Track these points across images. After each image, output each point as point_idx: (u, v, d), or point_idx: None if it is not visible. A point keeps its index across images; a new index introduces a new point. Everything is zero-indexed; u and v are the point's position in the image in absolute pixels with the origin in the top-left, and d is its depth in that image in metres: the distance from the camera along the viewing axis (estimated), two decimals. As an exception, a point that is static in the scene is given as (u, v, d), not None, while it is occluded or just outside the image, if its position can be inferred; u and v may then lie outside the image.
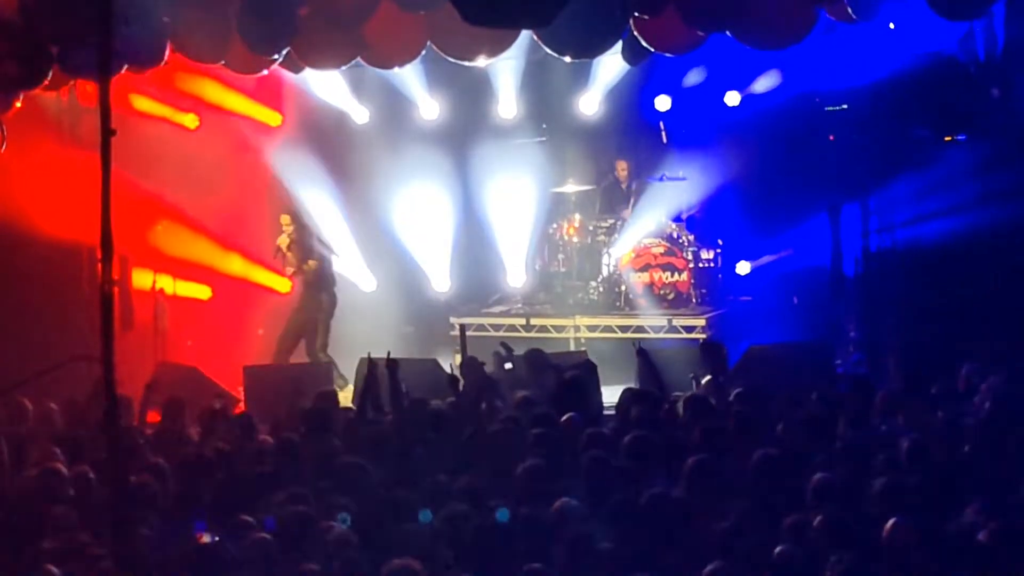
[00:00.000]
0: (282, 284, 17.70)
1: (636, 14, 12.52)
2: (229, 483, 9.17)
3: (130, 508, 7.42)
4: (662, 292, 16.82)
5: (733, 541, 7.59)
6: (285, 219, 16.33)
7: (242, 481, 9.24)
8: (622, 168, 17.82)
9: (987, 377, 10.64)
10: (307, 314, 16.41)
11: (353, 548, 7.67)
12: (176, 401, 11.64)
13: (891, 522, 7.41)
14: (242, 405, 13.56)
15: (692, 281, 16.81)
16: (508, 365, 12.86)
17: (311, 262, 16.31)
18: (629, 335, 16.26)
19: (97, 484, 8.99)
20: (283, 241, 16.26)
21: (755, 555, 7.36)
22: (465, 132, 17.83)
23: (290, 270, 16.44)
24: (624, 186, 17.81)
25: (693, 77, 17.20)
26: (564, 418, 10.21)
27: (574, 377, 11.32)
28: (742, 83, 16.87)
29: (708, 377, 12.12)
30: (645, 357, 12.03)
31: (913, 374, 11.65)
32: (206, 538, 7.83)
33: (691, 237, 17.11)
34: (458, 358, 13.75)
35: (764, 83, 16.69)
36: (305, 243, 16.33)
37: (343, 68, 14.36)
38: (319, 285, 16.42)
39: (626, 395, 11.12)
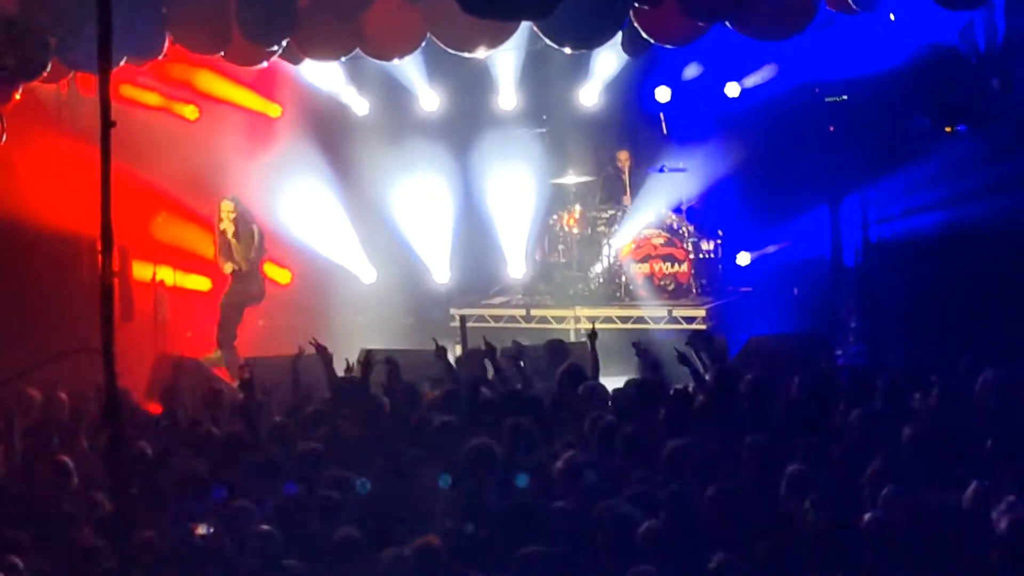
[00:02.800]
0: (281, 275, 17.72)
1: (636, 5, 12.50)
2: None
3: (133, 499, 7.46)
4: (662, 283, 16.82)
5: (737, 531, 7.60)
6: (228, 206, 15.92)
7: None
8: (623, 158, 17.81)
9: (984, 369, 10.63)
10: (238, 299, 16.15)
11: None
12: (173, 387, 11.59)
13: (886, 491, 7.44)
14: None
15: (692, 272, 16.82)
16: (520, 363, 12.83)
17: (253, 255, 15.99)
18: (629, 326, 16.27)
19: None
20: (228, 228, 15.92)
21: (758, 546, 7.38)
22: (465, 123, 17.84)
23: (230, 267, 15.99)
24: (625, 176, 17.81)
25: (690, 72, 17.21)
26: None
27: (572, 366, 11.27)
28: (741, 74, 16.87)
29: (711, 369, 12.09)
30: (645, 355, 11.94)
31: (913, 365, 11.65)
32: (202, 530, 7.83)
33: (691, 228, 17.12)
34: (458, 349, 13.74)
35: (759, 75, 16.70)
36: (248, 232, 16.00)
37: (343, 59, 14.35)
38: (256, 276, 16.19)
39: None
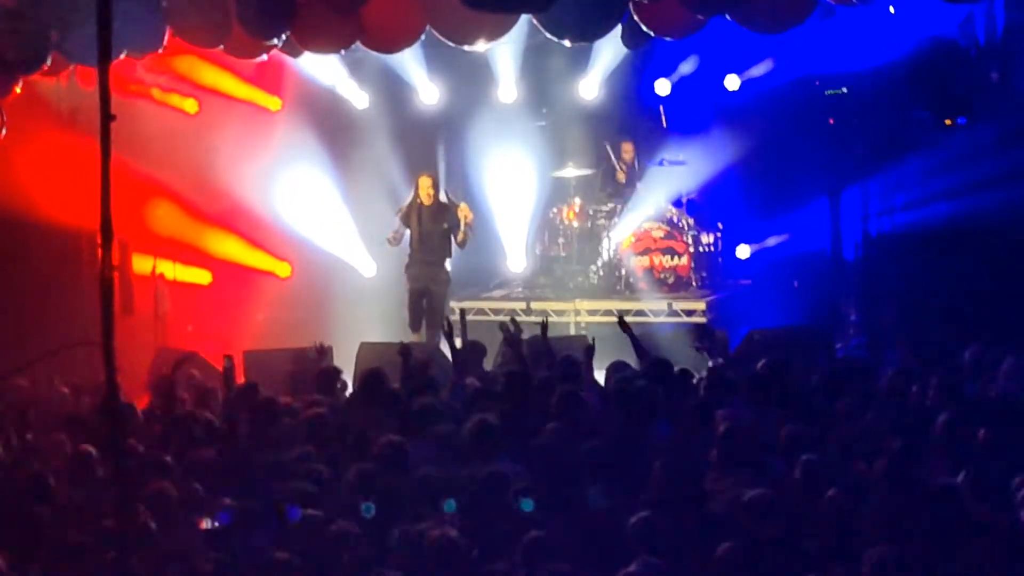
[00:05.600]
0: (281, 268, 17.72)
1: (635, -2, 12.51)
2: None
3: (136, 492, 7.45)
4: (662, 276, 16.83)
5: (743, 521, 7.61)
6: (427, 181, 15.81)
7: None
8: (628, 150, 17.78)
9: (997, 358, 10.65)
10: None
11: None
12: (166, 379, 11.57)
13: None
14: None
15: (692, 265, 16.82)
16: None
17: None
18: (629, 319, 16.21)
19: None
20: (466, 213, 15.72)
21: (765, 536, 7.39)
22: (465, 116, 17.84)
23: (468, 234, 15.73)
24: (626, 168, 17.78)
25: (686, 67, 17.22)
26: None
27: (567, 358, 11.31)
28: (741, 67, 16.87)
29: (711, 362, 12.13)
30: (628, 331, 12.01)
31: (914, 357, 11.66)
32: (206, 523, 7.82)
33: (691, 221, 17.12)
34: (458, 342, 13.72)
35: (759, 68, 16.70)
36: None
37: (342, 52, 14.35)
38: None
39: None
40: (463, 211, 15.65)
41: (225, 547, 7.62)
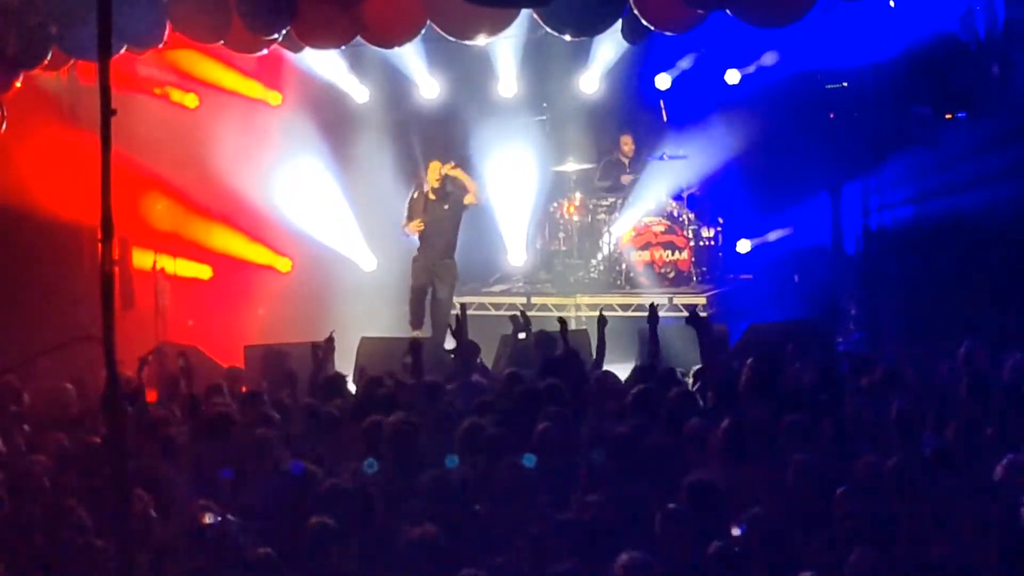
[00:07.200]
0: (282, 263, 17.73)
1: (636, -8, 12.50)
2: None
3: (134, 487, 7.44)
4: (662, 270, 16.85)
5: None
6: (436, 164, 15.90)
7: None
8: (627, 143, 17.78)
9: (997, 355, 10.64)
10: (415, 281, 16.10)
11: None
12: (174, 377, 11.59)
13: None
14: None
15: (692, 259, 16.85)
16: (522, 335, 12.87)
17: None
18: (630, 314, 16.29)
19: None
20: (459, 173, 15.85)
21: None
22: (465, 111, 17.84)
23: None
24: (627, 161, 17.79)
25: (686, 62, 17.22)
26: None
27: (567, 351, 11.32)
28: (741, 61, 16.86)
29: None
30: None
31: (914, 352, 11.66)
32: (209, 518, 7.81)
33: (691, 215, 17.13)
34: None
35: (759, 62, 16.70)
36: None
37: (343, 47, 14.35)
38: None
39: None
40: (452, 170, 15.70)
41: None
